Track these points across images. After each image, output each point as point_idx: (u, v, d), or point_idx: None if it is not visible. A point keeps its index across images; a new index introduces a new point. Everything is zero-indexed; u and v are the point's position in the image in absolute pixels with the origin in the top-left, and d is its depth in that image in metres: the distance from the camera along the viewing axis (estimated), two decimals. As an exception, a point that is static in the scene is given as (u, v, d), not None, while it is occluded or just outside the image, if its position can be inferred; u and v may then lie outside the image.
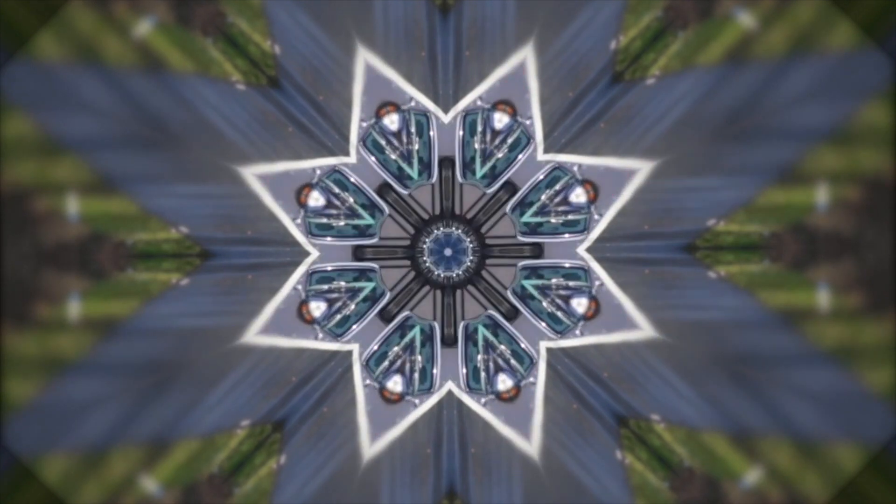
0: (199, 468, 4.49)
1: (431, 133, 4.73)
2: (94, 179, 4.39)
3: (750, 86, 4.42)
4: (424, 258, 4.88)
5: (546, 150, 4.74)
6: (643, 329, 4.66)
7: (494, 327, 4.83)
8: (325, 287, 4.74)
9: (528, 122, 4.69)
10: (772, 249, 4.48)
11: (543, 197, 4.74)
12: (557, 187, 4.73)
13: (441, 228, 4.88)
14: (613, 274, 4.71)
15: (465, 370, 4.74)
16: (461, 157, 4.77)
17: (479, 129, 4.72)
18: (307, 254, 4.75)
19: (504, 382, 4.74)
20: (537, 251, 4.84)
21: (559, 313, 4.74)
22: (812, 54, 4.36)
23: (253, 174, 4.61)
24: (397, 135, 4.74)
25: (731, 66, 4.43)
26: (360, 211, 4.77)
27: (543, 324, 4.74)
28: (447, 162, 4.79)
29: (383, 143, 4.73)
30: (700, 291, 4.59)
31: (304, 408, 4.63)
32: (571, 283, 4.74)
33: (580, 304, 4.73)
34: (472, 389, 4.72)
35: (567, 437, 4.64)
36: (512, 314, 4.84)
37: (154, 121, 4.44)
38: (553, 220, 4.75)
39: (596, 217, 4.72)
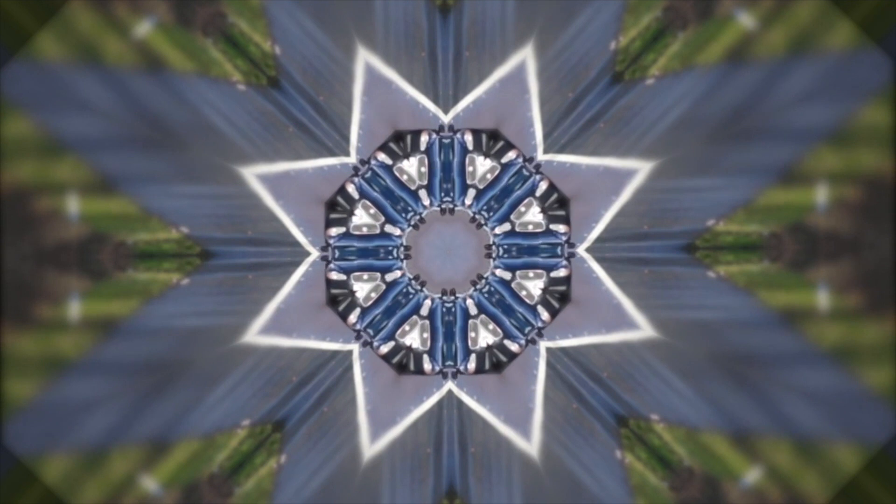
0: (199, 468, 4.49)
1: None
2: (94, 179, 4.39)
3: (750, 86, 4.42)
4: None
5: (546, 151, 4.74)
6: (643, 329, 4.66)
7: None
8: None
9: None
10: (772, 249, 4.48)
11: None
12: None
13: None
14: (613, 274, 4.72)
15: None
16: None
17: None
18: (307, 254, 4.75)
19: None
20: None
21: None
22: (812, 54, 4.36)
23: (253, 174, 4.62)
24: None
25: (731, 66, 4.43)
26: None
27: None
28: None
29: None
30: (700, 291, 4.59)
31: (304, 408, 4.64)
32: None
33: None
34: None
35: (567, 436, 4.64)
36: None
37: (154, 121, 4.44)
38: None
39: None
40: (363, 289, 4.84)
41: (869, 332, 4.36)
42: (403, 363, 4.80)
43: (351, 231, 4.83)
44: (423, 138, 4.81)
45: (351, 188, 4.77)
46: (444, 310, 4.84)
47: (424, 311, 4.84)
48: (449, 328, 4.83)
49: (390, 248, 4.85)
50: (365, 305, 4.82)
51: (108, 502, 4.37)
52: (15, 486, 4.30)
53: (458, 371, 4.77)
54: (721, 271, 4.55)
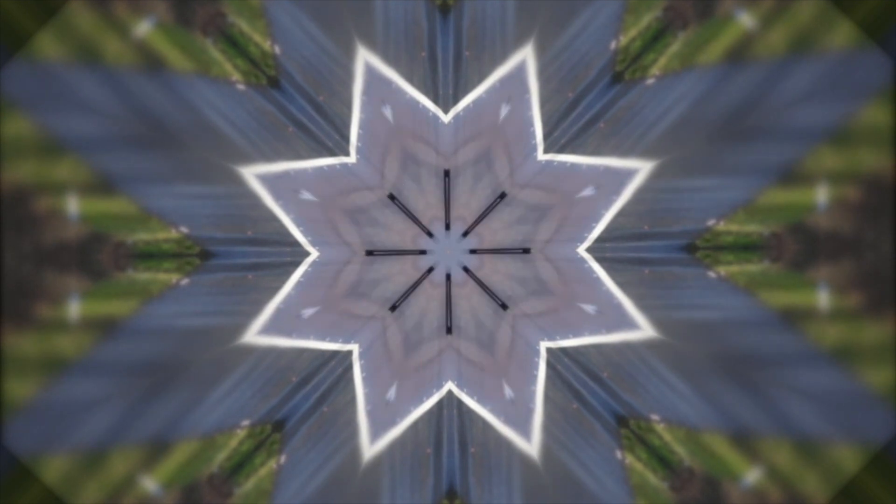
0: (199, 468, 4.49)
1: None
2: (94, 179, 4.39)
3: (750, 86, 4.42)
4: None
5: (546, 151, 4.74)
6: (643, 329, 4.66)
7: None
8: None
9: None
10: (772, 249, 4.48)
11: None
12: None
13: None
14: (613, 274, 4.71)
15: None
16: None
17: None
18: (307, 254, 4.75)
19: None
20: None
21: None
22: (812, 54, 4.36)
23: (253, 174, 4.61)
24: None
25: (731, 66, 4.43)
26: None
27: None
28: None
29: None
30: (700, 291, 4.58)
31: (304, 408, 4.63)
32: None
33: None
34: None
35: (567, 437, 4.64)
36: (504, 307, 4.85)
37: (154, 121, 4.44)
38: None
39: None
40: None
41: (869, 332, 4.36)
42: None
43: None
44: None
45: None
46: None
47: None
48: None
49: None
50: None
51: (108, 502, 4.37)
52: (15, 486, 4.29)
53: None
54: (721, 271, 4.55)
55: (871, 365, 4.35)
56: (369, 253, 4.78)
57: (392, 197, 4.78)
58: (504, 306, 4.81)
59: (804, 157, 4.39)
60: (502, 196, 4.74)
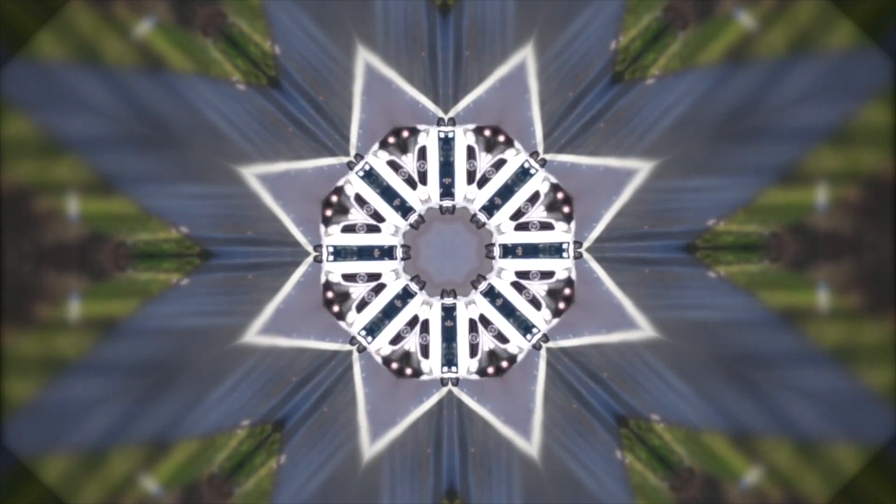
0: (199, 468, 4.49)
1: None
2: (94, 179, 4.39)
3: (750, 86, 4.42)
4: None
5: (546, 150, 4.74)
6: (643, 329, 4.66)
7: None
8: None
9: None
10: (772, 249, 4.48)
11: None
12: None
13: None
14: (613, 274, 4.71)
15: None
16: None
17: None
18: (307, 254, 4.75)
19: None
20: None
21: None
22: (812, 54, 4.36)
23: (253, 174, 4.61)
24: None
25: (731, 66, 4.43)
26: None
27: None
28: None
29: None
30: (700, 291, 4.59)
31: (304, 408, 4.63)
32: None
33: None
34: None
35: (567, 437, 4.64)
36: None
37: (154, 121, 4.44)
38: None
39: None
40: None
41: (869, 332, 4.36)
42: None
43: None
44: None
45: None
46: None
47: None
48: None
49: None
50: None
51: (108, 502, 4.37)
52: (15, 486, 4.29)
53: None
54: (721, 271, 4.55)
55: (871, 365, 4.35)
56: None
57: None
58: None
59: (804, 157, 4.39)
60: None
